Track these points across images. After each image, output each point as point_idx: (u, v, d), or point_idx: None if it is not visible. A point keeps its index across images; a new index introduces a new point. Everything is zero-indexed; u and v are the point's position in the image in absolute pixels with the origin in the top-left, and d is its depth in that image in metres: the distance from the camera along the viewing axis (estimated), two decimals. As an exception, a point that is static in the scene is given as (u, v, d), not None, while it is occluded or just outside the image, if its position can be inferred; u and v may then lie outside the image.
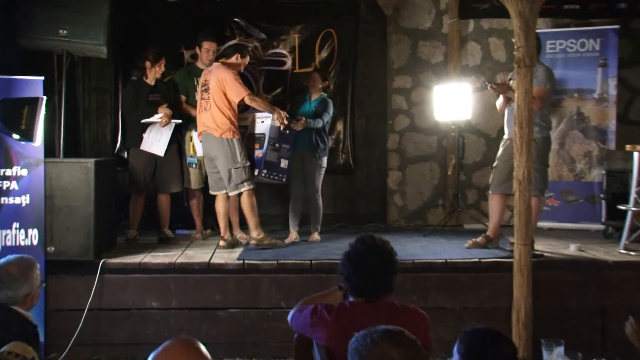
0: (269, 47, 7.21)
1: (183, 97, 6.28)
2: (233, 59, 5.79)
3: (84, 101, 7.18)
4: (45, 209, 5.09)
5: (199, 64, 6.29)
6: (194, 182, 6.29)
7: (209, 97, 5.70)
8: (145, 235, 6.31)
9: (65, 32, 5.47)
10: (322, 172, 6.22)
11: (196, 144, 6.14)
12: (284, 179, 5.77)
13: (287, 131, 5.69)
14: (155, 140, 6.05)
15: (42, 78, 5.04)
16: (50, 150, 5.42)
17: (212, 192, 5.91)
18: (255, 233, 5.71)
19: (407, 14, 7.33)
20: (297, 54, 7.22)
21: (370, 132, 7.46)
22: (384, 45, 7.37)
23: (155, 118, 5.98)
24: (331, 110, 6.24)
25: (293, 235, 6.21)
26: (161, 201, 6.22)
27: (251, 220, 5.68)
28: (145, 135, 6.06)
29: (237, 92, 5.59)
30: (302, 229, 6.28)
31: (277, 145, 5.74)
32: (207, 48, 6.18)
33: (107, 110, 7.22)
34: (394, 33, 7.35)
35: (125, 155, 6.75)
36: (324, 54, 7.24)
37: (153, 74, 6.09)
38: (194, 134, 6.09)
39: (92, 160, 5.27)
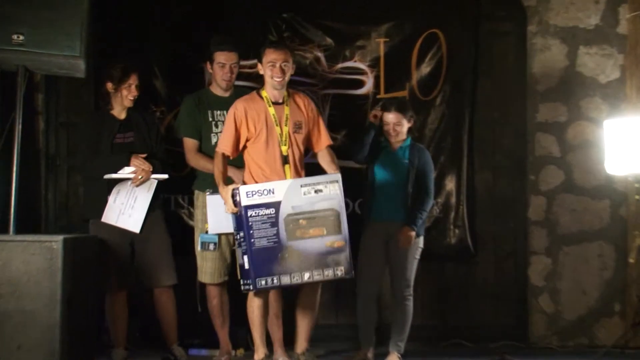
0: (338, 58, 7.20)
1: (190, 141, 6.27)
2: (267, 78, 5.78)
3: (49, 144, 7.19)
4: (-15, 315, 5.02)
5: (214, 88, 6.33)
6: (212, 274, 6.23)
7: None
8: (141, 356, 6.34)
9: (21, 38, 5.51)
10: (418, 256, 6.25)
11: (211, 212, 6.04)
12: (250, 286, 5.51)
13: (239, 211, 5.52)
14: (126, 208, 6.04)
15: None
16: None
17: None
18: (255, 355, 5.77)
19: (560, 5, 7.23)
20: (382, 69, 7.21)
21: (500, 193, 7.38)
22: (522, 55, 7.29)
23: (125, 173, 5.95)
24: (432, 166, 6.43)
25: (368, 356, 6.26)
26: (159, 301, 6.20)
27: (253, 334, 5.77)
28: (110, 200, 6.02)
29: None
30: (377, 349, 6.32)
31: (236, 236, 5.60)
32: (222, 62, 6.20)
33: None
34: (539, 35, 7.24)
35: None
36: (425, 68, 7.22)
37: (120, 101, 6.09)
38: (209, 197, 6.02)
39: (60, 237, 5.22)
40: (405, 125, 6.22)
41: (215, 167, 5.66)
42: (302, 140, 5.81)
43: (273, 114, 5.71)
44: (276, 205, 5.44)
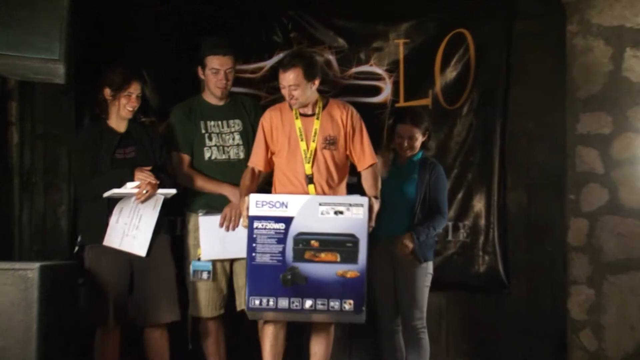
0: (352, 61, 7.11)
1: (181, 157, 6.22)
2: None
3: (23, 159, 7.06)
4: (-49, 354, 5.03)
5: (208, 96, 6.28)
6: (206, 306, 6.17)
7: None
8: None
9: (-8, 39, 5.69)
10: (429, 283, 6.24)
11: (204, 235, 6.09)
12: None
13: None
14: (130, 229, 5.88)
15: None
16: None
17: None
18: None
19: (604, 2, 7.03)
20: (401, 74, 7.10)
21: (535, 215, 7.22)
22: (560, 58, 7.10)
23: (129, 188, 5.77)
24: (446, 182, 6.43)
25: None
26: (151, 339, 6.05)
27: None
28: (112, 220, 5.85)
29: None
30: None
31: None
32: (215, 67, 6.13)
33: (63, 176, 7.08)
34: (580, 35, 7.05)
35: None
36: (451, 73, 7.11)
37: (117, 111, 5.94)
38: (202, 218, 6.08)
39: (36, 265, 5.20)
40: (420, 139, 6.21)
41: (242, 180, 5.79)
42: (335, 158, 5.81)
43: (299, 128, 5.75)
44: (287, 220, 5.47)
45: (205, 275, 6.07)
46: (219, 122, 6.20)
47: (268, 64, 6.90)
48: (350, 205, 5.51)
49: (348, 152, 5.79)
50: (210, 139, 6.15)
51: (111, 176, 5.83)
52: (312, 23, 6.99)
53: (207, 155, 6.12)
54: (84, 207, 6.09)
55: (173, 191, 5.89)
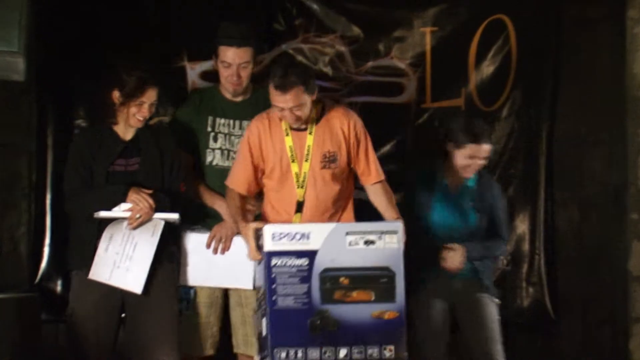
0: (369, 54, 6.80)
1: (189, 158, 5.88)
2: None
3: None
4: None
5: (223, 89, 5.92)
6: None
7: None
8: None
9: (-64, 29, 5.75)
10: (498, 315, 6.01)
11: (189, 257, 5.81)
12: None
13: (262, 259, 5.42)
14: (122, 260, 5.51)
15: None
16: None
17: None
18: None
19: None
20: (428, 70, 6.81)
21: (590, 237, 6.97)
22: (619, 50, 6.89)
23: (121, 210, 5.44)
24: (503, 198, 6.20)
25: None
26: None
27: None
28: (100, 249, 5.48)
29: None
30: None
31: (258, 294, 5.52)
32: (226, 61, 5.80)
33: (22, 192, 6.77)
34: None
35: (59, 288, 6.56)
36: (487, 68, 6.85)
37: (125, 117, 5.53)
38: (189, 234, 5.81)
39: None
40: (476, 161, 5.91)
41: (229, 202, 5.56)
42: (338, 177, 5.48)
43: (289, 146, 5.45)
44: (311, 255, 5.11)
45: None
46: (230, 122, 5.87)
47: (268, 57, 6.57)
48: (382, 232, 5.15)
49: (352, 166, 5.49)
50: (216, 140, 5.83)
51: (102, 194, 5.51)
52: (321, 8, 6.69)
53: (208, 158, 5.78)
54: (73, 224, 5.72)
55: (174, 216, 5.56)
